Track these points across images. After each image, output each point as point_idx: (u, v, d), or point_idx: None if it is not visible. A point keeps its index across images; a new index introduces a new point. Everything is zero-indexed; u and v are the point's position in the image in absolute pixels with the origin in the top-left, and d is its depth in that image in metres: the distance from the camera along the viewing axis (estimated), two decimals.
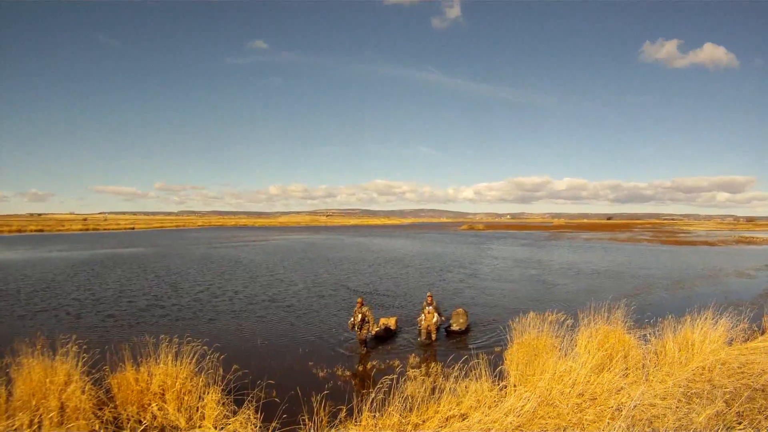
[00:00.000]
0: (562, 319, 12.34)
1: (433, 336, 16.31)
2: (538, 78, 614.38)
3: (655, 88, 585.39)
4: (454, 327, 17.45)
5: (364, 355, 15.06)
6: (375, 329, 16.13)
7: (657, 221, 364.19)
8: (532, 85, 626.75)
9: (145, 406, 9.47)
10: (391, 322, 17.41)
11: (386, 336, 16.64)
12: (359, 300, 15.74)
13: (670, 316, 13.16)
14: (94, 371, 10.12)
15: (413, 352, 15.02)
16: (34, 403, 9.23)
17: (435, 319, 16.22)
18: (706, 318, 12.82)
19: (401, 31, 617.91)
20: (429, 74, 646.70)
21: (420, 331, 16.57)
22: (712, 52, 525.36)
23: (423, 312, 16.47)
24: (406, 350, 15.43)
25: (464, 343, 16.41)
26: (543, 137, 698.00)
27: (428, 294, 17.10)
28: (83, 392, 9.39)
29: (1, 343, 11.29)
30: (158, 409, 9.35)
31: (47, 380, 9.47)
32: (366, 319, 15.22)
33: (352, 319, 15.30)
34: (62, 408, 9.23)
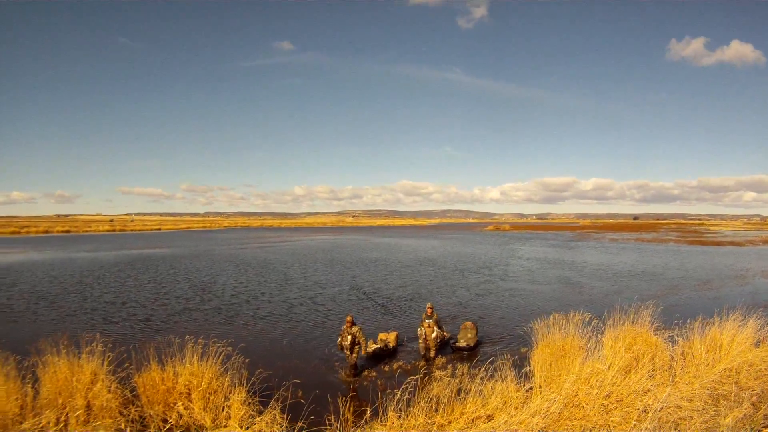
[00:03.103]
0: (588, 319, 12.52)
1: (432, 353, 15.03)
2: (564, 77, 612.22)
3: (682, 87, 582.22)
4: (461, 343, 16.18)
5: (390, 355, 15.29)
6: (372, 348, 15.16)
7: (683, 221, 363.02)
8: (559, 84, 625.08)
9: (171, 405, 9.84)
10: (391, 338, 16.32)
11: (384, 354, 15.47)
12: (348, 318, 14.00)
13: (697, 317, 13.30)
14: (119, 370, 10.54)
15: (413, 370, 13.85)
16: (60, 401, 9.63)
17: (435, 334, 14.88)
18: (734, 319, 12.91)
19: (426, 31, 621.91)
20: (454, 74, 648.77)
21: (420, 346, 15.27)
22: (738, 50, 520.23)
23: (422, 325, 15.08)
24: (404, 369, 14.23)
25: (470, 360, 14.96)
26: (569, 137, 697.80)
27: (428, 305, 15.66)
28: (109, 391, 9.80)
29: (27, 342, 11.69)
30: (184, 409, 9.71)
31: (73, 379, 9.87)
32: (357, 341, 13.74)
33: (340, 339, 13.85)
34: (88, 406, 9.64)
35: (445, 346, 16.25)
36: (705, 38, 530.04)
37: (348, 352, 13.69)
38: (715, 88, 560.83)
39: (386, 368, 14.23)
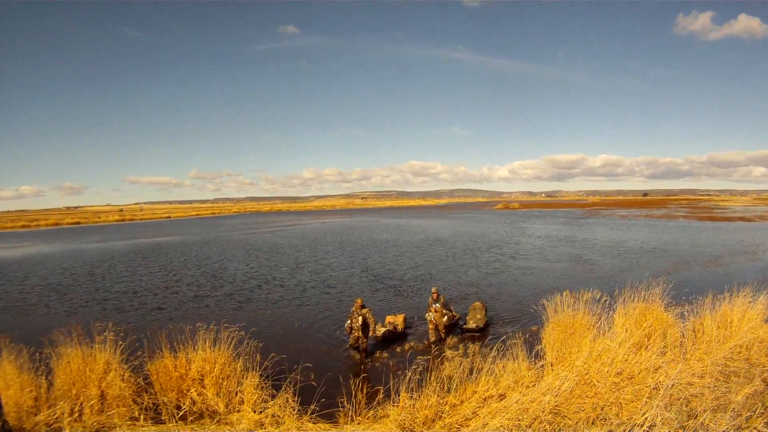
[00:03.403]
0: (599, 297, 12.62)
1: (442, 334, 15.11)
2: (571, 54, 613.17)
3: (690, 62, 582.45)
4: (470, 324, 16.00)
5: (399, 338, 15.39)
6: (381, 330, 15.18)
7: (693, 197, 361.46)
8: (566, 61, 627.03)
9: (184, 391, 10.02)
10: (399, 320, 16.14)
11: (393, 337, 15.45)
12: (358, 301, 13.88)
13: (708, 294, 13.37)
14: (132, 359, 10.71)
15: (423, 351, 13.98)
16: (74, 392, 9.82)
17: (445, 318, 15.03)
18: (745, 295, 12.95)
19: (432, 11, 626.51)
20: (460, 53, 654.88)
21: (429, 331, 15.20)
22: (746, 24, 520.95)
23: (430, 310, 15.07)
24: (415, 349, 14.39)
25: (482, 340, 15.02)
26: (577, 114, 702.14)
27: (433, 289, 15.53)
28: (123, 380, 10.00)
29: (40, 335, 11.89)
30: (197, 395, 9.89)
31: (87, 369, 10.07)
32: (367, 322, 13.65)
33: (350, 322, 13.76)
34: (102, 396, 9.82)
35: (453, 327, 16.23)
36: (712, 12, 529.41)
37: (359, 334, 13.56)
38: (723, 62, 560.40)
39: (397, 350, 14.40)
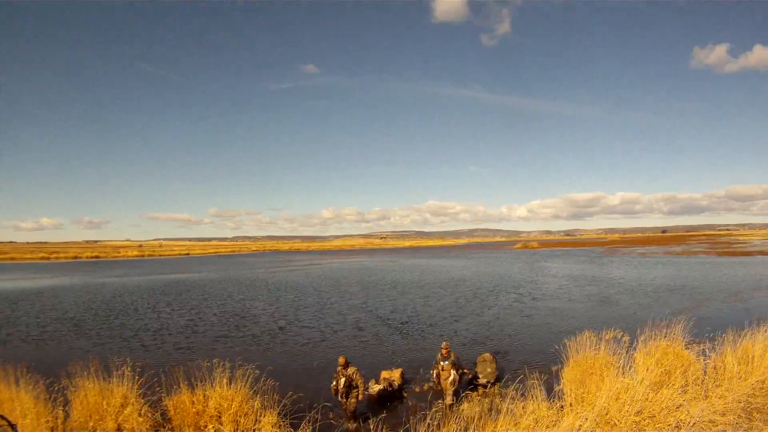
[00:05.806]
0: (620, 336, 12.74)
1: (448, 399, 12.97)
2: (587, 91, 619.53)
3: (707, 95, 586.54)
4: (482, 380, 14.55)
5: (395, 397, 14.00)
6: (376, 388, 13.58)
7: (712, 232, 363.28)
8: (582, 98, 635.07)
9: (202, 428, 10.23)
10: (395, 375, 14.56)
11: (388, 395, 13.80)
12: (341, 360, 12.57)
13: (728, 330, 13.44)
14: (150, 394, 10.97)
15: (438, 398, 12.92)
16: (91, 424, 10.07)
17: (451, 378, 13.16)
18: (765, 330, 13.02)
19: (450, 50, 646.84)
20: (477, 92, 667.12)
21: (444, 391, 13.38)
22: (762, 55, 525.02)
23: (436, 367, 13.52)
24: (435, 390, 13.75)
25: (500, 382, 14.53)
26: (594, 151, 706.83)
27: (444, 344, 13.79)
28: (140, 414, 10.26)
29: (58, 366, 12.17)
30: (215, 431, 10.12)
31: (104, 402, 10.34)
32: (354, 383, 12.26)
33: (335, 383, 12.35)
34: (119, 429, 10.05)
35: (466, 385, 14.68)
36: (728, 44, 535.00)
37: (345, 399, 12.23)
38: (741, 94, 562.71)
39: (416, 389, 14.31)
